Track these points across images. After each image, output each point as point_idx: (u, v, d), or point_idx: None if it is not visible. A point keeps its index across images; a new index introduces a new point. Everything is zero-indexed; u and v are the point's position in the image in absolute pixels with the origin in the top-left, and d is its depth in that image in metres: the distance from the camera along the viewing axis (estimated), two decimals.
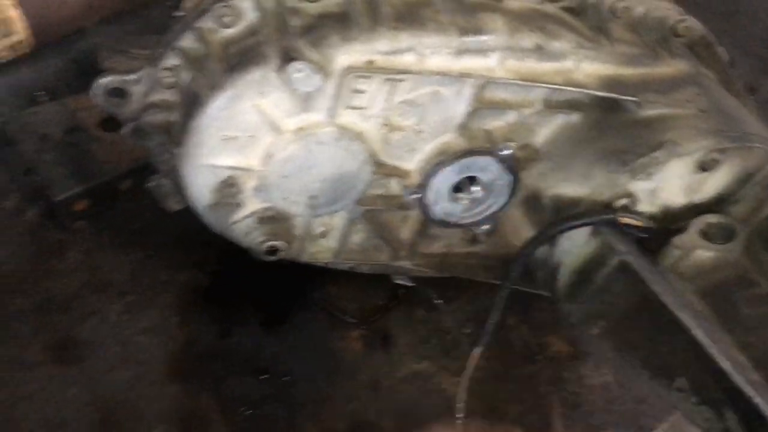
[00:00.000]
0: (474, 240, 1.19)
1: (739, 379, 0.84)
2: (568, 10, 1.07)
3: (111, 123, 1.37)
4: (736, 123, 1.04)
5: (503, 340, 1.27)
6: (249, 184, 1.02)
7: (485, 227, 1.14)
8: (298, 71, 0.91)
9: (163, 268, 1.28)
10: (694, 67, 1.11)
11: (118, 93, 1.04)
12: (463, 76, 0.97)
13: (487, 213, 1.12)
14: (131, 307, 1.22)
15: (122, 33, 1.51)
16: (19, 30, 1.39)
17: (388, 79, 0.96)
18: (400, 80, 0.96)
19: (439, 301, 1.30)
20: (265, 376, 1.18)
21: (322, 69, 0.92)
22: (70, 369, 1.14)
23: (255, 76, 0.92)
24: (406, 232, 1.16)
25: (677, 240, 0.97)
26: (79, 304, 1.21)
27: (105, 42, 1.49)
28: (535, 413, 1.21)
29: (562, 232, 1.01)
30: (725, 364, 0.86)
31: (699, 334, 0.88)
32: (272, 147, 0.98)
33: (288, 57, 0.91)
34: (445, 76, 0.97)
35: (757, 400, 0.83)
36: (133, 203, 1.33)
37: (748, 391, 0.83)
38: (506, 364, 1.25)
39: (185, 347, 1.19)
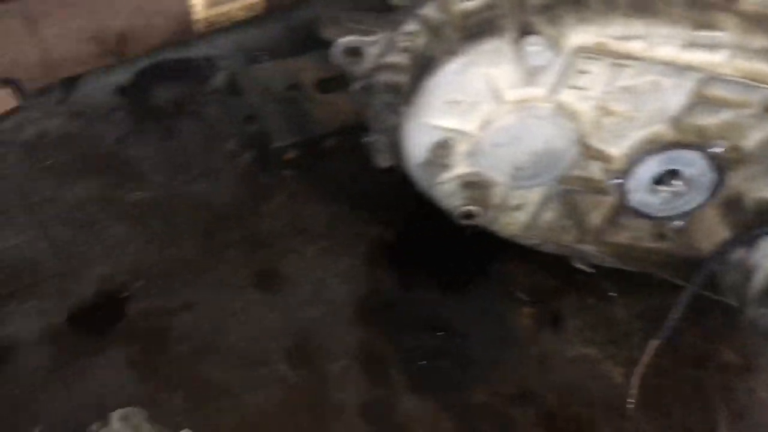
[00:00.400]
0: (662, 236, 1.21)
1: None
2: None
3: (327, 85, 1.50)
4: None
5: (673, 342, 1.27)
6: (462, 147, 1.09)
7: (678, 223, 1.16)
8: (533, 45, 0.97)
9: (356, 221, 1.38)
10: None
11: (355, 52, 1.15)
12: (689, 68, 1.00)
13: (684, 209, 1.14)
14: (325, 252, 1.33)
15: (340, 7, 1.64)
16: None
17: (614, 63, 1.00)
18: (625, 66, 1.00)
19: (613, 294, 1.32)
20: (441, 333, 1.24)
21: (555, 45, 0.98)
22: (270, 297, 1.26)
23: (490, 46, 0.99)
24: (596, 217, 1.19)
25: None
26: (281, 242, 1.33)
27: (325, 13, 1.64)
28: (700, 417, 1.20)
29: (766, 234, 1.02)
30: None
31: None
32: (491, 115, 1.05)
33: (526, 30, 0.98)
34: (670, 66, 1.00)
35: None
36: (335, 161, 1.45)
37: None
38: (675, 364, 1.25)
39: (370, 295, 1.28)
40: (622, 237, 1.22)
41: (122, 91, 1.51)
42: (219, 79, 1.55)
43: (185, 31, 1.48)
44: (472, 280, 1.33)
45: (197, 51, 1.57)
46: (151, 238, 1.31)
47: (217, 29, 1.58)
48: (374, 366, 1.20)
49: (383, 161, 1.20)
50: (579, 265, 1.29)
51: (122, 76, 1.52)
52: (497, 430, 1.16)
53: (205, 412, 1.11)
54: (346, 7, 1.69)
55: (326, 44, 1.16)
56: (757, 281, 1.07)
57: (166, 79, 1.52)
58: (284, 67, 1.53)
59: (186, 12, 1.46)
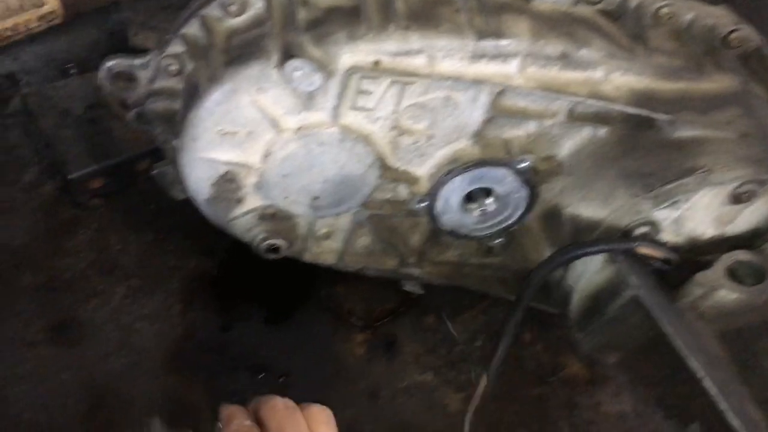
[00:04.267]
0: (489, 251, 1.13)
1: None
2: (606, 13, 0.98)
3: None
4: None
5: (515, 358, 1.20)
6: (249, 180, 0.98)
7: (498, 240, 1.08)
8: (297, 69, 0.86)
9: (173, 252, 1.25)
10: (742, 83, 1.00)
11: (126, 77, 1.01)
12: (477, 82, 0.90)
13: (502, 226, 1.05)
14: (135, 291, 1.20)
15: (156, 8, 1.48)
16: (50, 0, 1.38)
17: (396, 82, 0.90)
18: (410, 83, 0.90)
19: (448, 314, 1.24)
20: (262, 375, 1.14)
21: (324, 68, 0.86)
22: (66, 351, 1.13)
23: (254, 71, 0.87)
24: (415, 238, 1.10)
25: (701, 277, 0.88)
26: (84, 284, 1.20)
27: (137, 17, 1.48)
28: None
29: (574, 259, 0.93)
30: (735, 422, 0.77)
31: (709, 384, 0.80)
32: (272, 144, 0.94)
33: (288, 54, 0.86)
34: (459, 80, 0.90)
35: None
36: (149, 184, 1.30)
37: None
38: (516, 383, 1.18)
39: (184, 338, 1.17)
40: (448, 256, 1.13)
41: None
42: (18, 100, 1.39)
43: None
44: (298, 310, 1.22)
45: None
46: None
47: (17, 42, 1.41)
48: (184, 418, 1.09)
49: (179, 193, 1.08)
50: (408, 288, 1.20)
51: None
52: None
53: None
54: (164, 8, 1.55)
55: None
56: (574, 303, 0.99)
57: None
58: (87, 83, 1.37)
59: None
